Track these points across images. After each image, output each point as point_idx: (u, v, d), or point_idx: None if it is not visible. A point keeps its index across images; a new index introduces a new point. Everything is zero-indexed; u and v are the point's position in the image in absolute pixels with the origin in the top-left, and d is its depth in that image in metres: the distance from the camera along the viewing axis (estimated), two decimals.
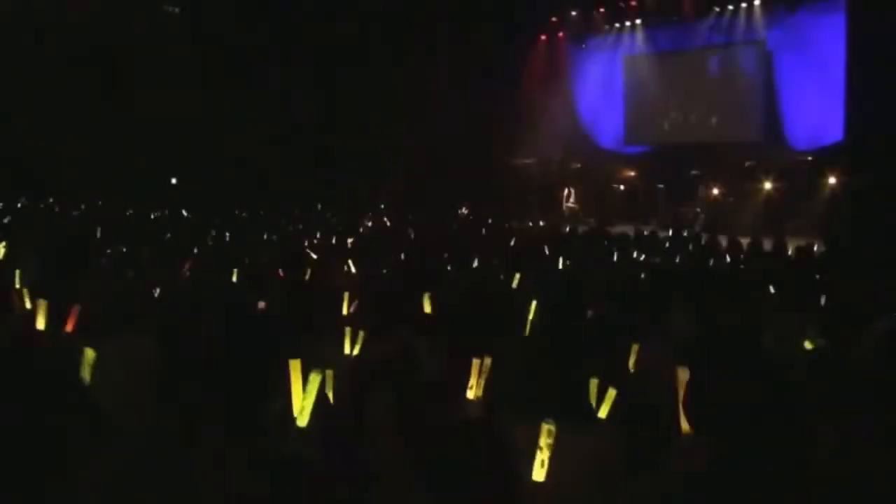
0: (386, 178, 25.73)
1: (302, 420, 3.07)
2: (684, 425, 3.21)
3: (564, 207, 25.53)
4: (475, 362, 3.85)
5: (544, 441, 2.85)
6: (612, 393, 3.51)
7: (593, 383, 3.52)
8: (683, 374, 3.22)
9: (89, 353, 3.76)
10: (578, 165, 27.12)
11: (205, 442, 3.28)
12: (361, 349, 4.46)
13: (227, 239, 12.25)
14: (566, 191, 25.98)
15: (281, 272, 7.83)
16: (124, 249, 9.62)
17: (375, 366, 3.94)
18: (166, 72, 24.61)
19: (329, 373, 3.57)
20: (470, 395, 3.87)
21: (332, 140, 25.88)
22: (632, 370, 4.35)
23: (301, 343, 4.19)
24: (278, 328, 4.78)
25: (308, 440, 3.07)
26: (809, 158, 21.94)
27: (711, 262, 10.49)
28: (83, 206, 20.64)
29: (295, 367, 3.24)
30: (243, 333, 4.62)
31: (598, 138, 27.85)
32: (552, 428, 2.85)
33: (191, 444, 3.05)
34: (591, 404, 3.48)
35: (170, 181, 27.60)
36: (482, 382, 3.86)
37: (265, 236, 13.43)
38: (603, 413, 3.51)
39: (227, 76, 25.05)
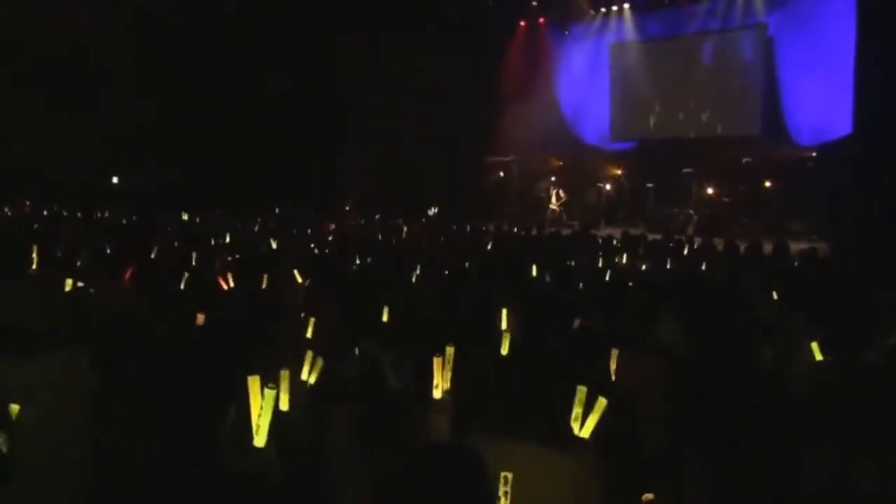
0: (351, 177, 25.69)
1: (259, 439, 3.06)
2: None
3: (550, 209, 25.52)
4: (437, 360, 3.86)
5: (502, 490, 2.85)
6: (602, 403, 3.52)
7: (581, 391, 3.52)
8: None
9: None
10: (560, 163, 27.12)
11: (152, 464, 3.27)
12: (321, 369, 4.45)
13: (175, 244, 12.15)
14: (554, 191, 25.99)
15: (231, 281, 7.78)
16: (60, 255, 9.53)
17: (337, 383, 3.93)
18: (112, 65, 24.47)
19: (284, 374, 3.56)
20: (437, 393, 3.88)
21: (293, 137, 25.76)
22: (612, 378, 4.35)
23: (256, 357, 4.17)
24: (230, 343, 4.75)
25: (266, 460, 3.05)
26: (814, 154, 21.98)
27: (705, 267, 10.52)
28: (7, 210, 20.51)
29: (253, 383, 3.22)
30: (190, 350, 4.59)
31: (582, 133, 27.79)
32: (509, 475, 2.85)
33: (131, 468, 3.04)
34: (571, 426, 3.48)
35: (110, 180, 27.41)
36: (448, 375, 3.87)
37: (216, 241, 13.33)
38: (588, 429, 3.51)
39: (181, 71, 24.97)
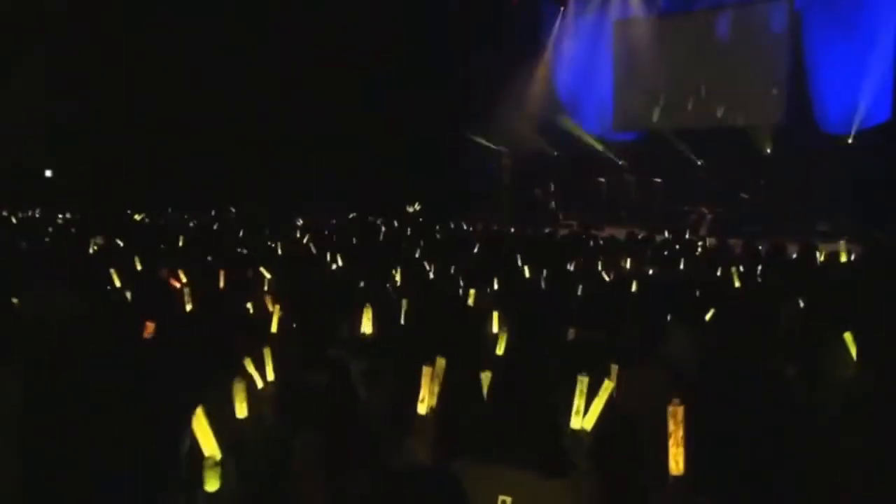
0: (322, 170, 25.65)
1: (210, 484, 3.06)
2: (675, 465, 3.23)
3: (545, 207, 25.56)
4: (426, 370, 3.87)
5: None
6: (607, 386, 3.55)
7: (582, 381, 3.54)
8: (678, 411, 3.23)
9: None
10: (557, 155, 27.07)
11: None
12: (285, 377, 4.46)
13: (120, 245, 12.13)
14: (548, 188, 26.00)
15: (185, 285, 7.76)
16: None
17: (302, 400, 3.94)
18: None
19: (239, 386, 3.57)
20: (422, 408, 3.89)
21: (256, 123, 25.73)
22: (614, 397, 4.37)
23: (212, 376, 4.17)
24: (181, 357, 4.74)
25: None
26: (847, 144, 21.84)
27: (720, 272, 10.55)
28: None
29: (199, 419, 3.22)
30: (134, 366, 4.57)
31: (582, 122, 27.75)
32: (507, 500, 2.88)
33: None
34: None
35: (43, 173, 27.31)
36: (436, 389, 3.88)
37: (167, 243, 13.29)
38: (591, 418, 3.54)
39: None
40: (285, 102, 25.52)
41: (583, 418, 3.53)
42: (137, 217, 19.78)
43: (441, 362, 3.92)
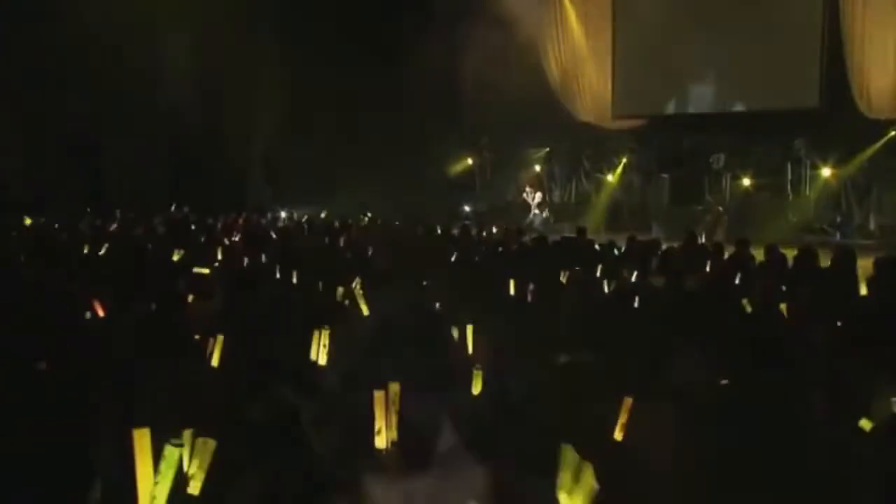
0: (271, 163, 25.66)
1: None
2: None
3: (532, 209, 25.54)
4: (377, 395, 3.84)
5: None
6: (588, 471, 3.51)
7: (567, 452, 3.51)
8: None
9: None
10: (547, 149, 26.99)
11: None
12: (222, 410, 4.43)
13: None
14: (528, 187, 25.97)
15: (101, 302, 7.70)
16: None
17: (242, 441, 3.91)
18: None
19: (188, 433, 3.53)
20: (380, 442, 3.87)
21: (194, 112, 25.71)
22: (618, 437, 4.34)
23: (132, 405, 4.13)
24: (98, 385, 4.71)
25: None
26: (893, 133, 21.85)
27: (739, 283, 10.55)
28: None
29: (141, 437, 3.18)
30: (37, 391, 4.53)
31: (576, 108, 27.67)
32: None
33: None
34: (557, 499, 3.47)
35: None
36: (392, 418, 3.86)
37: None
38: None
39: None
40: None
41: (569, 497, 3.49)
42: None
43: (394, 388, 3.89)
